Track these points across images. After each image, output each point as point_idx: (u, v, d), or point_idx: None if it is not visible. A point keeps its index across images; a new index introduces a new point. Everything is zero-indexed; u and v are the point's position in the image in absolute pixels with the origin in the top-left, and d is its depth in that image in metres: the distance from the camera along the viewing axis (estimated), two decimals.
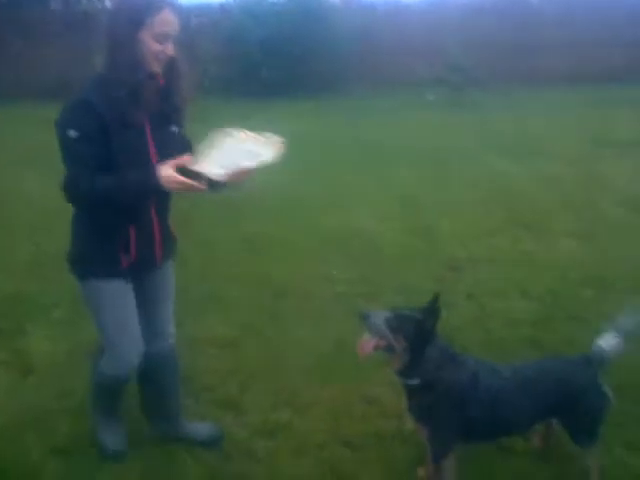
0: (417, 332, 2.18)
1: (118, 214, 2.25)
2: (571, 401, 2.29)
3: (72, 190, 2.17)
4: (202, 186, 2.09)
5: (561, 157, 7.66)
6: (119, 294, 2.37)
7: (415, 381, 2.22)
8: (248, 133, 2.25)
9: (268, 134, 2.26)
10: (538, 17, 14.95)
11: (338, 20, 13.70)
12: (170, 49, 2.18)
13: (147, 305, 2.49)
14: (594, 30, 14.53)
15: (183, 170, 2.10)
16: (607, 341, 2.36)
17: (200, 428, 2.76)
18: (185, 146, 2.36)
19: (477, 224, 5.47)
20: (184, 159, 2.13)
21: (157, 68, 2.20)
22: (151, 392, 2.69)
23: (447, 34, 13.51)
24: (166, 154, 2.20)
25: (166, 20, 2.14)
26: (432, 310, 2.21)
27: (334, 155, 8.04)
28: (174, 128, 2.37)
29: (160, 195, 2.25)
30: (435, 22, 14.56)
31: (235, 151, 2.17)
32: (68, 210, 2.36)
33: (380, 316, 2.22)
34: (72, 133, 2.12)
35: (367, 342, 2.24)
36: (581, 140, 8.54)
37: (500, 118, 10.46)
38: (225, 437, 2.75)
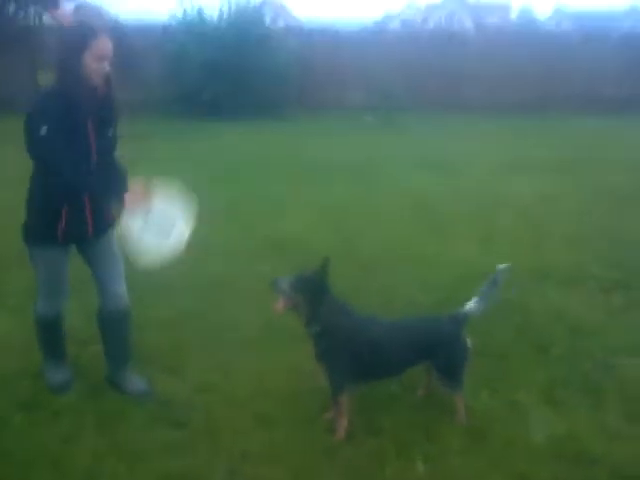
0: (312, 288, 2.83)
1: (55, 198, 2.90)
2: (438, 350, 2.97)
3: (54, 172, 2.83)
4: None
5: (472, 175, 8.59)
6: (53, 259, 3.06)
7: (316, 328, 2.85)
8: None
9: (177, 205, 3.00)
10: (464, 49, 16.19)
11: (278, 45, 14.40)
12: (106, 67, 2.83)
13: (96, 270, 3.18)
14: (512, 65, 15.87)
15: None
16: (469, 305, 3.07)
17: (136, 381, 3.34)
18: (116, 143, 3.08)
19: (397, 232, 6.19)
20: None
21: (97, 82, 2.83)
22: (106, 341, 3.34)
23: (380, 62, 14.51)
24: (104, 151, 2.95)
25: (103, 44, 2.79)
26: (323, 270, 2.84)
27: (272, 171, 8.70)
28: (110, 129, 3.03)
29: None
30: (369, 51, 15.55)
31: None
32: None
33: (285, 280, 2.87)
34: (43, 130, 2.71)
35: (278, 303, 2.87)
36: (491, 161, 9.52)
37: (425, 140, 11.46)
38: (168, 393, 3.30)
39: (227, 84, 13.36)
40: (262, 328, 4.03)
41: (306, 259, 5.23)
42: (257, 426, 3.07)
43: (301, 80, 14.82)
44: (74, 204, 2.94)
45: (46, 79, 3.16)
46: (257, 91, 13.68)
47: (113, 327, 3.26)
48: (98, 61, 2.77)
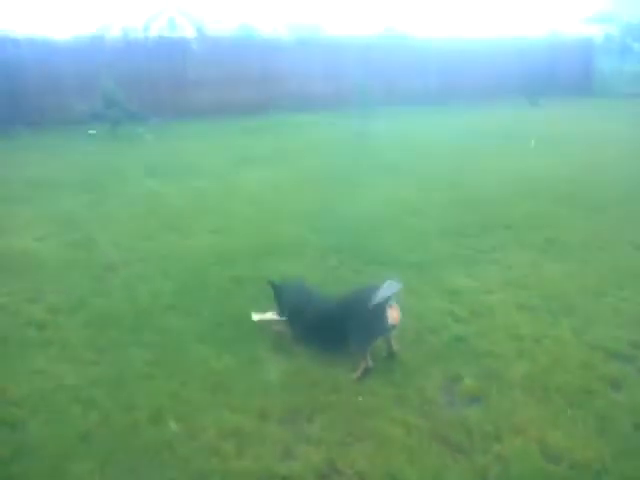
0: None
1: None
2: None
3: None
4: None
5: (206, 174, 9.07)
6: None
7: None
8: None
9: None
10: (190, 56, 16.63)
11: None
12: None
13: None
14: (235, 69, 16.87)
15: None
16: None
17: None
18: None
19: (133, 233, 6.31)
20: None
21: None
22: None
23: (100, 71, 14.15)
24: None
25: None
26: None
27: None
28: None
29: None
30: (87, 60, 15.03)
31: None
32: None
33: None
34: None
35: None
36: (223, 159, 10.17)
37: (156, 146, 11.65)
38: None
39: None
40: None
41: (39, 271, 5.24)
42: None
43: (14, 94, 13.80)
44: None
45: None
46: None
47: None
48: None
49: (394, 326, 3.56)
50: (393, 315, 3.52)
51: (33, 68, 14.48)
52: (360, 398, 3.28)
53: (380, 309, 3.47)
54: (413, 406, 3.21)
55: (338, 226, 6.33)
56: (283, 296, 4.02)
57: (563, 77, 21.35)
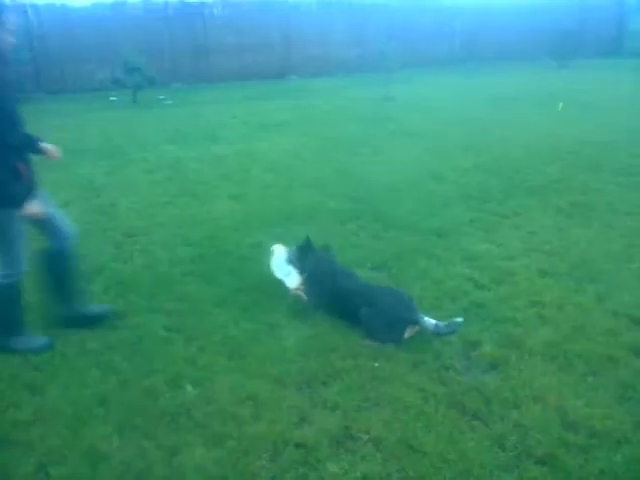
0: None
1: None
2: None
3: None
4: None
5: (226, 140, 9.02)
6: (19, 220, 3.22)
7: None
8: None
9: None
10: (210, 21, 16.45)
11: None
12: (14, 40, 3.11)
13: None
14: (256, 34, 16.65)
15: None
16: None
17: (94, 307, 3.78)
18: None
19: (152, 199, 6.32)
20: None
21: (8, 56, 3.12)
22: (64, 280, 3.61)
23: (122, 39, 14.07)
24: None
25: (14, 18, 3.11)
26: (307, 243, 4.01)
27: None
28: None
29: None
30: (108, 27, 14.94)
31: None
32: None
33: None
34: None
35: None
36: (243, 125, 10.10)
37: (177, 112, 11.59)
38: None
39: None
40: None
41: None
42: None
43: (35, 61, 13.83)
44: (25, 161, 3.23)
45: None
46: None
47: (70, 264, 3.58)
48: (10, 35, 3.07)
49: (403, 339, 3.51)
50: (410, 332, 3.48)
51: (54, 36, 14.45)
52: (376, 364, 3.26)
53: (403, 324, 3.45)
54: (430, 372, 3.18)
55: (357, 192, 6.26)
56: (308, 258, 3.98)
57: (593, 38, 20.61)
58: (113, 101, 13.13)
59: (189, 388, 3.11)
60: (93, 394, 3.06)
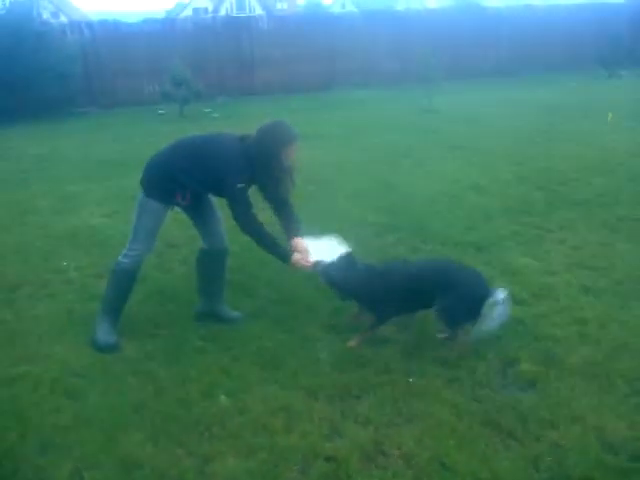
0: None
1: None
2: None
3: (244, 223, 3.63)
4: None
5: None
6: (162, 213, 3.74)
7: None
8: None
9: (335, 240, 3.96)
10: (257, 34, 16.71)
11: (55, 42, 13.78)
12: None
13: (202, 218, 3.94)
14: (301, 46, 16.84)
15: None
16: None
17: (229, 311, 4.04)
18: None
19: None
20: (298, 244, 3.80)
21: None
22: (212, 279, 4.01)
23: (171, 53, 14.43)
24: None
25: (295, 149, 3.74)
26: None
27: (66, 170, 8.47)
28: None
29: None
30: (158, 42, 15.36)
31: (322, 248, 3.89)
32: None
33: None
34: (239, 185, 3.51)
35: None
36: None
37: (223, 125, 11.76)
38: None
39: (2, 88, 12.59)
40: (65, 319, 4.09)
41: (105, 248, 5.43)
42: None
43: (88, 77, 14.35)
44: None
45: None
46: (42, 91, 13.07)
47: (219, 265, 3.97)
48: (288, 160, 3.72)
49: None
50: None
51: (106, 51, 14.94)
52: (411, 379, 3.22)
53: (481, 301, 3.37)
54: (465, 389, 3.13)
55: (398, 204, 6.23)
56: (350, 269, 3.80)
57: None
58: (161, 114, 13.46)
59: (223, 398, 3.14)
60: (129, 401, 3.13)
